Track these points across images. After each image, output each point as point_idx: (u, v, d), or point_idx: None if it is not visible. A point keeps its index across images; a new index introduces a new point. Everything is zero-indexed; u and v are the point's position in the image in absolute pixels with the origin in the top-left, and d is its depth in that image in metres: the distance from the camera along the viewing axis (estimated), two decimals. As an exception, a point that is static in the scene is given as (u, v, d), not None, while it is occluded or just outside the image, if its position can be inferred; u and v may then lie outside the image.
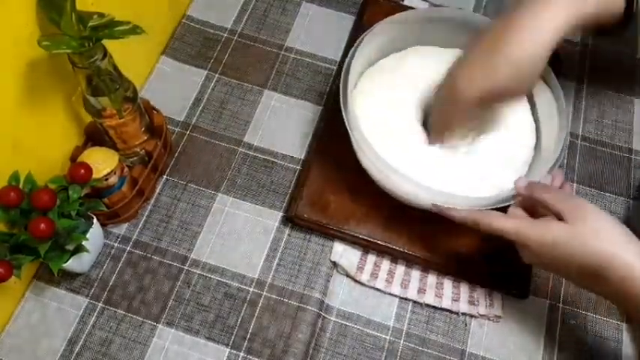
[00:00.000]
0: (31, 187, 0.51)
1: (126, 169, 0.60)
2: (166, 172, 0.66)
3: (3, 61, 0.47)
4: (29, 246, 0.50)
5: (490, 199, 0.55)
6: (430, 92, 0.63)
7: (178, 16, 0.76)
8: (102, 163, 0.56)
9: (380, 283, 0.61)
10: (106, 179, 0.57)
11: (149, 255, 0.61)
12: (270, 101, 0.71)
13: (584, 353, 0.59)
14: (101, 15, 0.48)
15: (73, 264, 0.55)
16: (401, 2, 0.78)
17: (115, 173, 0.57)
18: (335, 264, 0.62)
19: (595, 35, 0.62)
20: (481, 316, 0.60)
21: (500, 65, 0.52)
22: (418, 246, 0.61)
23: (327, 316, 0.60)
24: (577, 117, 0.73)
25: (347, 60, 0.60)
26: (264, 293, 0.60)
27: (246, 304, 0.60)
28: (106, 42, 0.49)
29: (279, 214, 0.64)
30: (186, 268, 0.61)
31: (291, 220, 0.62)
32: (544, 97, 0.62)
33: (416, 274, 0.62)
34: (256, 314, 0.59)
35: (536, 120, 0.64)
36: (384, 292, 0.61)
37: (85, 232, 0.55)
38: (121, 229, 0.63)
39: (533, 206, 0.53)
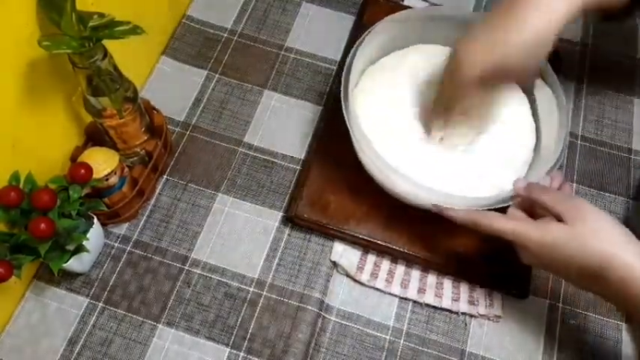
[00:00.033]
0: (32, 187, 0.51)
1: (126, 169, 0.60)
2: (166, 172, 0.66)
3: (3, 61, 0.47)
4: (29, 246, 0.50)
5: (490, 199, 0.55)
6: (431, 91, 0.63)
7: (178, 16, 0.76)
8: (102, 163, 0.56)
9: (380, 283, 0.61)
10: (107, 179, 0.57)
11: (149, 255, 0.61)
12: (270, 101, 0.71)
13: (584, 353, 0.59)
14: (101, 15, 0.48)
15: (73, 264, 0.55)
16: (401, 2, 0.78)
17: (115, 173, 0.57)
18: (335, 264, 0.62)
19: (601, 21, 0.61)
20: (481, 316, 0.60)
21: (507, 41, 0.51)
22: (418, 246, 0.61)
23: (327, 315, 0.60)
24: (577, 117, 0.73)
25: (348, 58, 0.60)
26: (265, 293, 0.60)
27: (246, 304, 0.60)
28: (106, 42, 0.49)
29: (279, 214, 0.64)
30: (186, 268, 0.61)
31: (291, 220, 0.63)
32: (544, 97, 0.62)
33: (416, 274, 0.62)
34: (256, 314, 0.59)
35: (536, 120, 0.64)
36: (384, 292, 0.61)
37: (86, 232, 0.55)
38: (122, 229, 0.63)
39: (532, 207, 0.53)
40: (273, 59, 0.74)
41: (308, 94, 0.72)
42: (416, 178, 0.54)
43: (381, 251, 0.62)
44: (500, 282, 0.61)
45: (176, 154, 0.67)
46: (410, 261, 0.62)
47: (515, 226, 0.50)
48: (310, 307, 0.59)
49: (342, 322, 0.60)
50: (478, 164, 0.60)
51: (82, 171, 0.53)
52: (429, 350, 0.59)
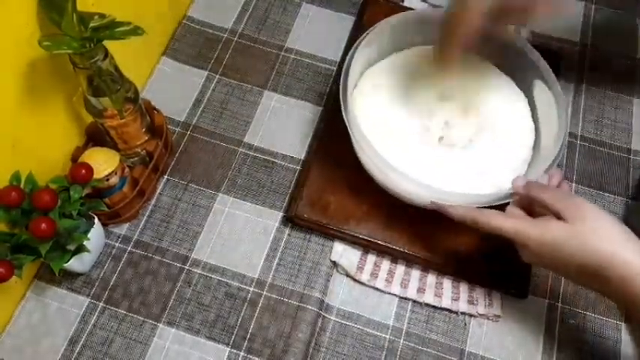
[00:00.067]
0: (32, 187, 0.51)
1: (127, 169, 0.60)
2: (167, 173, 0.66)
3: (3, 61, 0.47)
4: (30, 246, 0.50)
5: (489, 196, 0.55)
6: (431, 92, 0.64)
7: (179, 16, 0.77)
8: (103, 163, 0.56)
9: (380, 283, 0.61)
10: (107, 179, 0.57)
11: (150, 255, 0.61)
12: (271, 102, 0.71)
13: (584, 353, 0.59)
14: (102, 16, 0.49)
15: (74, 264, 0.55)
16: (400, 3, 0.78)
17: (116, 173, 0.57)
18: (335, 264, 0.62)
19: None
20: (480, 315, 0.60)
21: None
22: (418, 246, 0.61)
23: (327, 315, 0.60)
24: (576, 117, 0.73)
25: (347, 60, 0.60)
26: (265, 293, 0.60)
27: (246, 304, 0.60)
28: (106, 43, 0.49)
29: (280, 214, 0.65)
30: (186, 267, 0.61)
31: (291, 220, 0.63)
32: (543, 97, 0.62)
33: (416, 273, 0.62)
34: (256, 314, 0.59)
35: (535, 119, 0.64)
36: (384, 292, 0.61)
37: (86, 232, 0.55)
38: (122, 229, 0.63)
39: (530, 205, 0.53)
40: (274, 60, 0.75)
41: (308, 94, 0.72)
42: (415, 177, 0.54)
43: (381, 251, 0.62)
44: (499, 281, 0.61)
45: (177, 155, 0.67)
46: (410, 261, 0.62)
47: (514, 224, 0.50)
48: (310, 307, 0.59)
49: (342, 321, 0.60)
50: (477, 163, 0.60)
51: (83, 171, 0.53)
52: (429, 350, 0.59)
